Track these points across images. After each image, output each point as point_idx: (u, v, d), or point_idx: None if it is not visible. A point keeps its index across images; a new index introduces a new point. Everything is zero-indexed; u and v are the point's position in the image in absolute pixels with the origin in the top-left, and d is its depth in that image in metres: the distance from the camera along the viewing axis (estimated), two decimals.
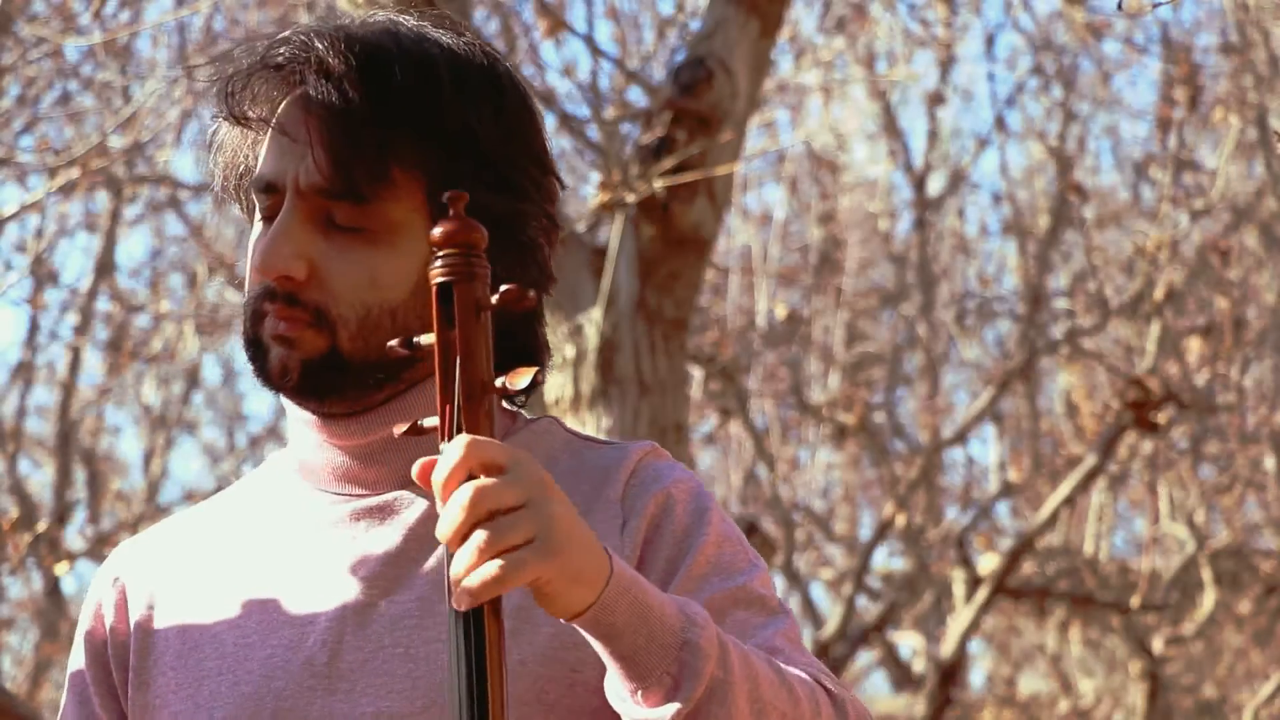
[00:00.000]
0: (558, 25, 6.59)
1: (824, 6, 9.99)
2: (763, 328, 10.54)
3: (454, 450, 1.50)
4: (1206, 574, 9.91)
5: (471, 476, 1.50)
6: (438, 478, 1.51)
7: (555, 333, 5.36)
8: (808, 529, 11.29)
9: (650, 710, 1.57)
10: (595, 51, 6.76)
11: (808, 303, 11.08)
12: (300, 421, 1.79)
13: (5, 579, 9.54)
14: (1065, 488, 8.88)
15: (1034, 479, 10.76)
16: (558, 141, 10.00)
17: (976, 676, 13.31)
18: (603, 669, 1.63)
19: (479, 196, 1.65)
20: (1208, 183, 9.53)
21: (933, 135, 11.02)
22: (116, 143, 7.03)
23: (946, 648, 9.29)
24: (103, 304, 10.70)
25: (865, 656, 12.95)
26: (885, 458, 10.18)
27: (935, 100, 10.65)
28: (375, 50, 1.72)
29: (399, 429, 1.57)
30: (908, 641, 12.39)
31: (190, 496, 11.76)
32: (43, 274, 9.91)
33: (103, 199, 9.97)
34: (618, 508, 1.74)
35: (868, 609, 10.88)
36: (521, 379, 1.52)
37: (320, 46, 1.72)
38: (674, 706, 1.57)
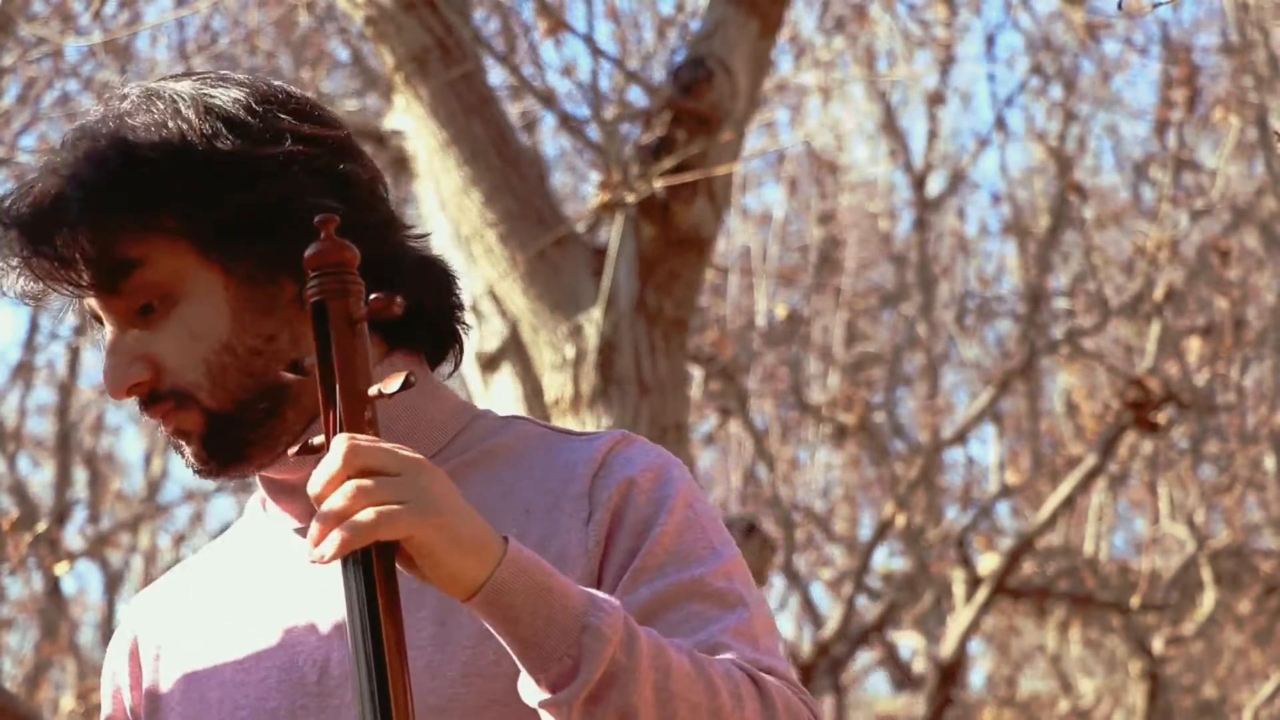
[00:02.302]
0: (558, 25, 6.58)
1: (824, 6, 9.99)
2: (763, 328, 10.54)
3: (331, 457, 1.54)
4: (1206, 574, 9.91)
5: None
6: (314, 487, 1.54)
7: (555, 333, 5.37)
8: (808, 529, 11.29)
9: (551, 694, 1.58)
10: (595, 51, 6.76)
11: (808, 303, 11.08)
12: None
13: (5, 579, 9.53)
14: (1065, 488, 8.88)
15: (1034, 479, 10.76)
16: (558, 142, 10.02)
17: (976, 676, 13.33)
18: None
19: (221, 205, 1.71)
20: (1208, 183, 9.53)
21: (933, 135, 11.02)
22: None
23: (946, 648, 9.29)
24: None
25: (865, 656, 12.96)
26: (885, 458, 10.18)
27: (935, 100, 10.65)
28: (56, 172, 1.76)
29: (291, 450, 1.60)
30: (908, 641, 12.41)
31: (190, 496, 11.77)
32: None
33: None
34: (585, 501, 1.74)
35: (868, 609, 10.88)
36: (392, 384, 1.54)
37: (15, 211, 1.76)
38: (572, 689, 1.56)
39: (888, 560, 11.72)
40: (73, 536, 10.91)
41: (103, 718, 1.91)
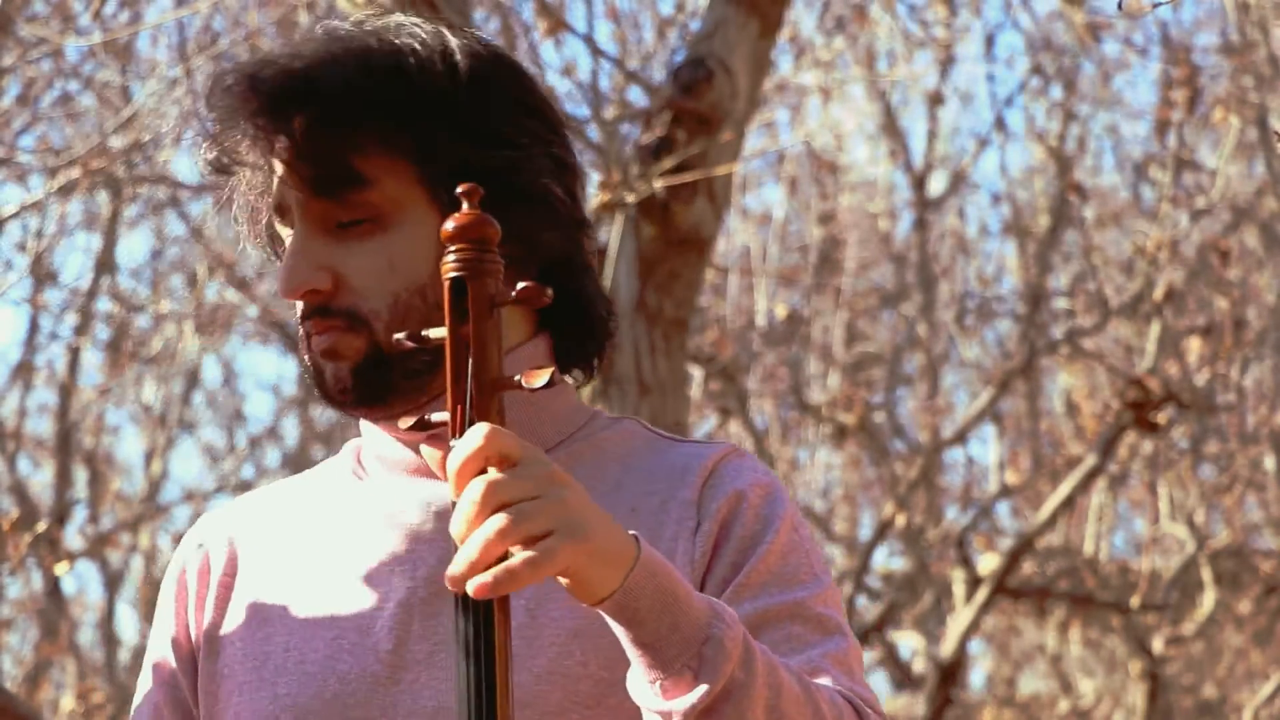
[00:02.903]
0: (558, 25, 6.58)
1: (824, 6, 9.99)
2: (763, 328, 10.54)
3: (472, 438, 1.49)
4: (1206, 574, 9.91)
5: (483, 469, 1.50)
6: (453, 464, 1.50)
7: None
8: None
9: (666, 701, 1.56)
10: (595, 51, 6.76)
11: (808, 303, 11.08)
12: (365, 424, 1.81)
13: (5, 579, 9.53)
14: (1065, 488, 8.88)
15: (1034, 479, 10.76)
16: None
17: (976, 676, 13.32)
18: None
19: (465, 154, 1.70)
20: (1208, 183, 9.52)
21: (933, 135, 11.02)
22: (116, 143, 7.03)
23: (946, 648, 9.29)
24: (103, 304, 10.71)
25: (865, 656, 12.95)
26: (885, 458, 10.18)
27: (935, 100, 10.65)
28: (318, 56, 1.72)
29: (404, 422, 1.57)
30: (908, 641, 12.39)
31: (190, 496, 11.77)
32: (43, 274, 9.90)
33: (103, 199, 9.97)
34: (693, 509, 1.73)
35: (868, 609, 10.88)
36: (538, 379, 1.51)
37: (264, 76, 1.72)
38: (690, 699, 1.55)
39: (888, 560, 11.72)
40: (73, 536, 10.90)
41: (164, 630, 1.84)
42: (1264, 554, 10.70)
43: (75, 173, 6.15)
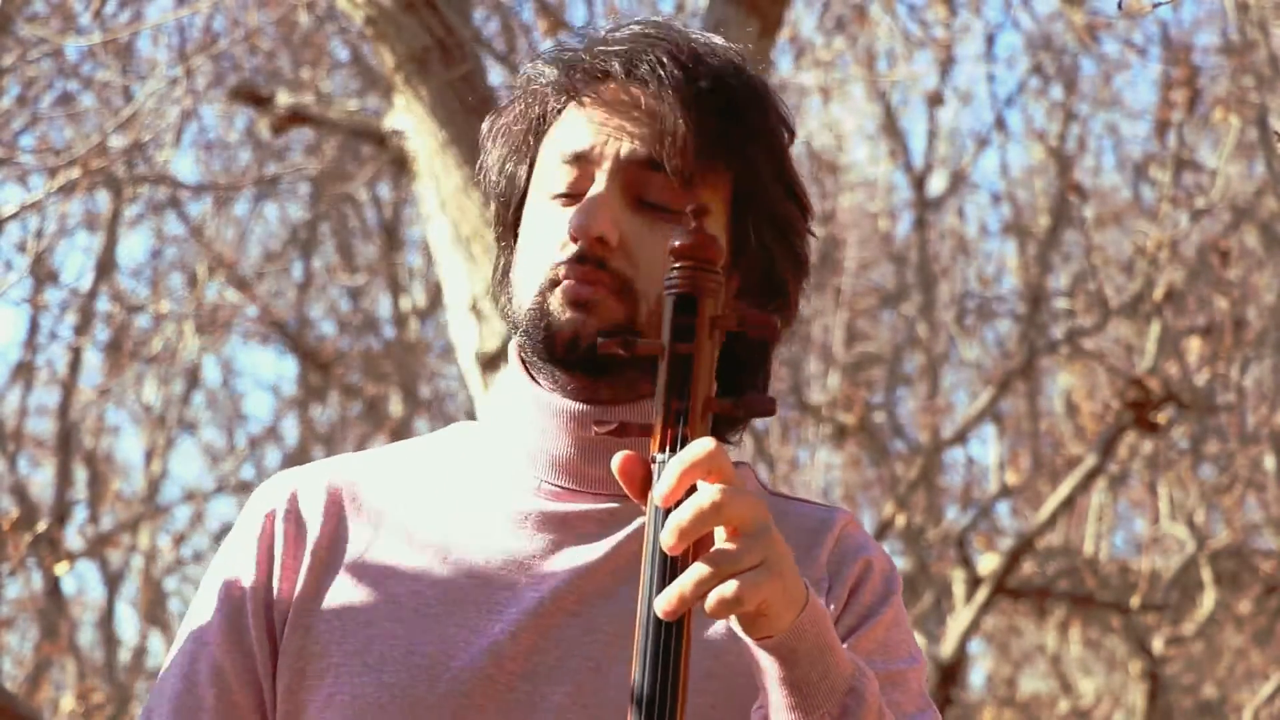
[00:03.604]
0: (558, 25, 6.58)
1: (824, 6, 9.99)
2: None
3: (698, 449, 1.50)
4: (1206, 574, 9.91)
5: (692, 487, 1.51)
6: (677, 468, 1.49)
7: None
8: None
9: None
10: None
11: (808, 303, 11.07)
12: (535, 406, 1.77)
13: (5, 579, 9.53)
14: (1065, 488, 8.88)
15: (1034, 479, 10.76)
16: None
17: (976, 676, 13.32)
18: None
19: (776, 201, 1.76)
20: (1208, 183, 9.52)
21: (933, 135, 11.02)
22: (116, 143, 7.03)
23: (946, 648, 9.29)
24: (103, 304, 10.70)
25: None
26: (885, 458, 10.18)
27: (935, 100, 10.65)
28: (708, 55, 1.79)
29: (599, 428, 1.57)
30: None
31: (190, 496, 11.77)
32: (43, 274, 9.90)
33: (103, 199, 9.97)
34: (824, 569, 1.76)
35: None
36: (754, 406, 1.53)
37: (656, 47, 1.77)
38: None
39: None
40: (73, 536, 10.90)
41: (238, 570, 1.77)
42: (1264, 554, 10.70)
43: (75, 173, 6.14)
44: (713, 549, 1.49)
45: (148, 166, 9.03)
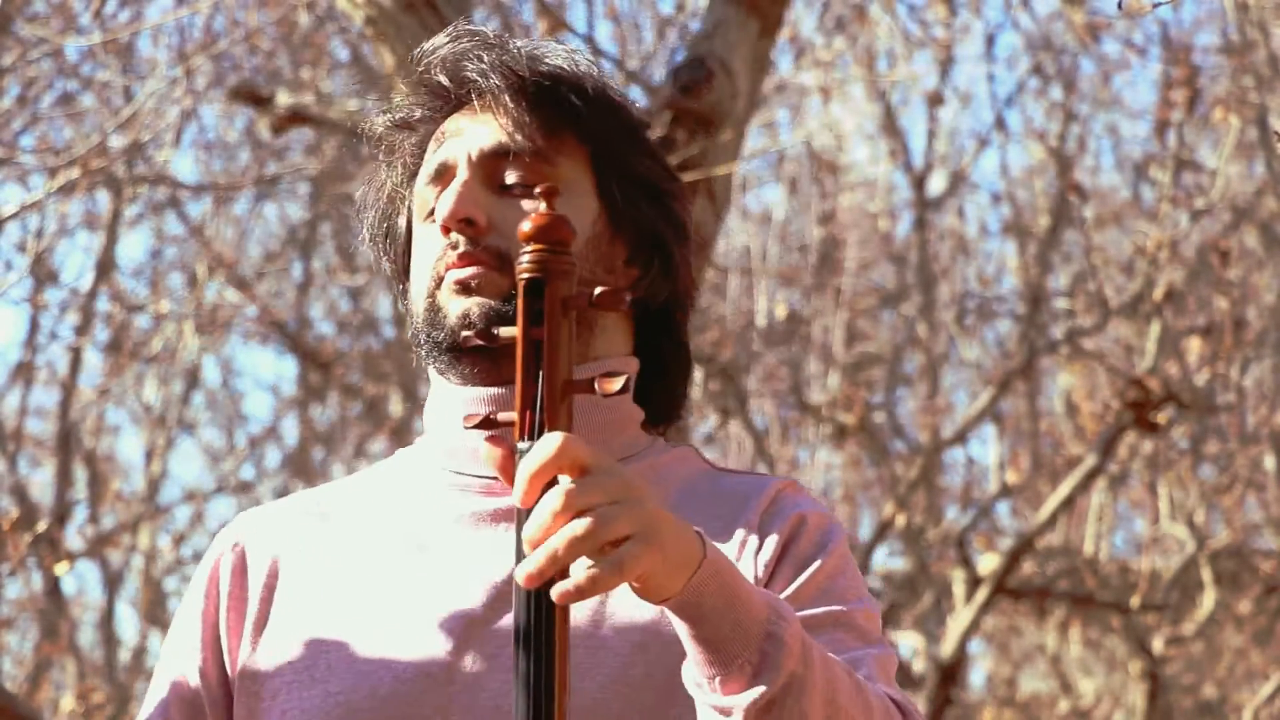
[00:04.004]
0: (558, 25, 6.59)
1: (824, 6, 9.99)
2: (763, 328, 10.54)
3: (545, 447, 1.50)
4: (1206, 574, 9.91)
5: (554, 479, 1.51)
6: (525, 471, 1.50)
7: None
8: None
9: (726, 698, 1.58)
10: (595, 51, 6.76)
11: (808, 303, 11.08)
12: (449, 405, 1.81)
13: (5, 579, 9.53)
14: (1065, 488, 8.88)
15: (1034, 479, 10.76)
16: None
17: (976, 676, 13.32)
18: (680, 702, 1.65)
19: (637, 163, 1.82)
20: (1208, 183, 9.52)
21: (933, 135, 11.02)
22: (116, 143, 7.03)
23: (946, 648, 9.29)
24: (103, 304, 10.70)
25: None
26: (885, 458, 10.18)
27: (935, 100, 10.64)
28: (535, 49, 1.85)
29: (468, 422, 1.57)
30: (908, 641, 12.40)
31: (190, 496, 11.77)
32: (43, 274, 9.90)
33: (103, 199, 9.97)
34: (755, 534, 1.77)
35: None
36: (613, 385, 1.52)
37: (477, 50, 1.84)
38: (751, 695, 1.57)
39: (888, 560, 11.72)
40: (73, 536, 10.90)
41: (190, 629, 1.84)
42: (1264, 554, 10.70)
43: (75, 173, 6.14)
44: (573, 530, 1.48)
45: (148, 166, 9.03)
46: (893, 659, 1.76)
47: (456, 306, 1.77)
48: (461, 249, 1.78)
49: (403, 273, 1.89)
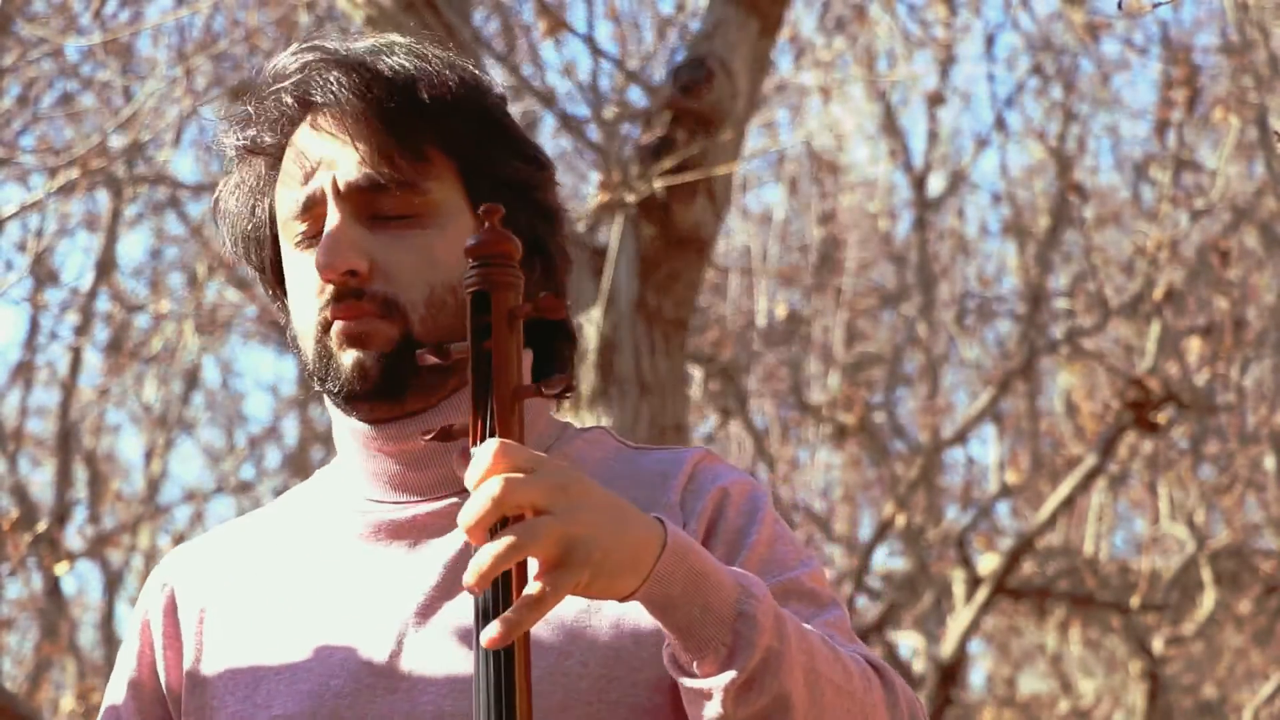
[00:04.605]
0: (558, 25, 6.58)
1: (824, 6, 9.99)
2: (763, 328, 10.54)
3: (484, 453, 1.51)
4: (1206, 574, 9.91)
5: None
6: (470, 478, 1.52)
7: None
8: (808, 529, 11.29)
9: (705, 680, 1.59)
10: (595, 51, 6.77)
11: (808, 303, 11.08)
12: (351, 434, 1.82)
13: (5, 579, 9.53)
14: (1065, 488, 8.88)
15: (1034, 479, 10.76)
16: (558, 142, 10.02)
17: (976, 676, 13.32)
18: (662, 667, 1.66)
19: (511, 169, 1.79)
20: (1208, 183, 9.53)
21: (933, 135, 11.02)
22: (116, 143, 7.03)
23: (946, 648, 9.29)
24: (103, 304, 10.70)
25: None
26: (885, 458, 10.18)
27: (935, 100, 10.65)
28: (378, 59, 1.80)
29: (425, 435, 1.58)
30: (908, 641, 12.40)
31: (191, 496, 11.77)
32: (43, 274, 9.90)
33: (103, 199, 9.97)
34: (677, 510, 1.77)
35: (868, 609, 10.88)
36: (556, 386, 1.54)
37: (326, 70, 1.79)
38: (728, 675, 1.58)
39: (888, 560, 11.72)
40: (73, 536, 10.90)
41: (126, 671, 1.87)
42: (1264, 554, 10.70)
43: (75, 173, 6.14)
44: (503, 537, 1.49)
45: (148, 166, 9.03)
46: (846, 616, 1.76)
47: (348, 358, 1.75)
48: (346, 301, 1.75)
49: (276, 285, 1.87)
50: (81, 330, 10.47)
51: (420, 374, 1.75)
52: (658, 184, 5.35)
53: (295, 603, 1.80)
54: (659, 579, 1.56)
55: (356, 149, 1.76)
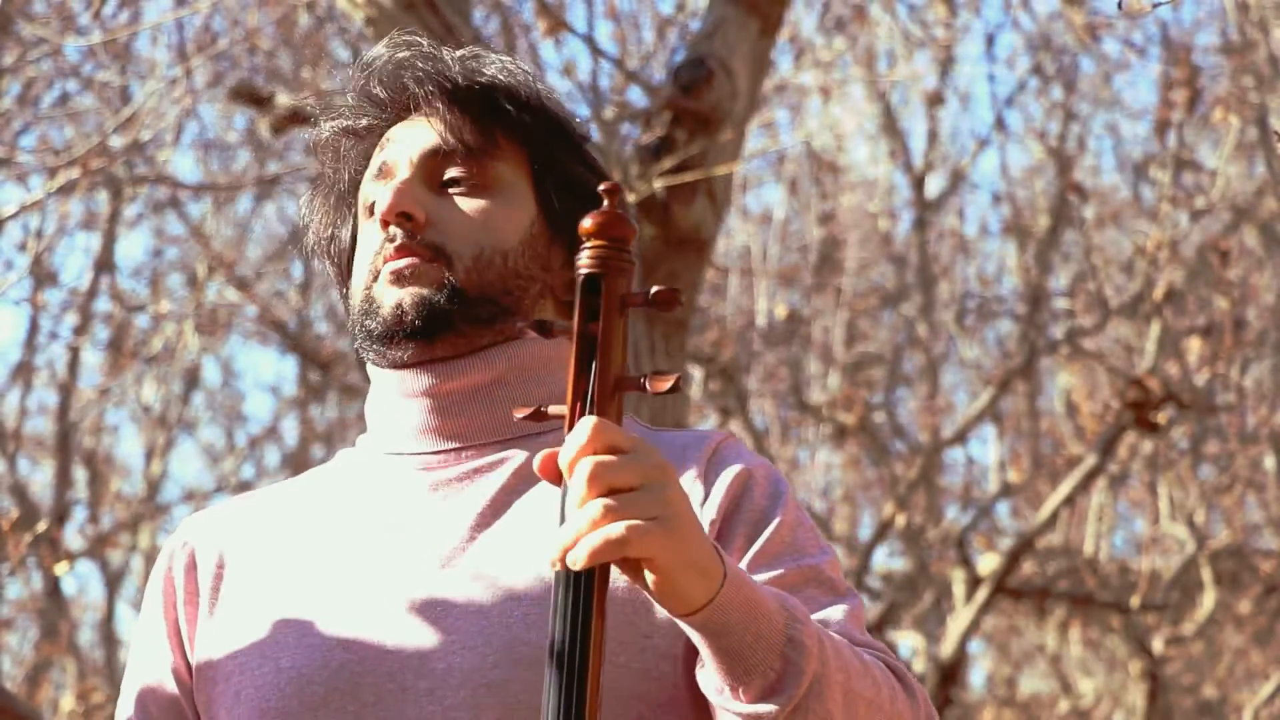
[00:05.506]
0: (558, 25, 6.58)
1: (824, 6, 9.99)
2: (763, 328, 10.54)
3: (580, 433, 1.52)
4: (1206, 574, 9.90)
5: None
6: (564, 458, 1.53)
7: None
8: None
9: (749, 705, 1.60)
10: (595, 51, 6.75)
11: (808, 303, 11.07)
12: (382, 384, 1.88)
13: (5, 579, 9.53)
14: (1065, 488, 8.88)
15: (1034, 479, 10.75)
16: None
17: (976, 676, 13.32)
18: (672, 634, 1.69)
19: (574, 170, 1.89)
20: (1208, 183, 9.52)
21: (933, 135, 11.01)
22: (116, 143, 7.02)
23: (946, 648, 9.29)
24: (103, 304, 10.70)
25: None
26: (885, 458, 10.17)
27: (935, 100, 10.64)
28: (469, 58, 1.94)
29: (520, 413, 1.59)
30: (908, 641, 12.40)
31: (190, 496, 11.76)
32: (43, 274, 9.90)
33: (103, 199, 9.97)
34: (699, 484, 1.80)
35: (868, 609, 10.87)
36: (664, 383, 1.52)
37: (422, 64, 1.94)
38: (773, 706, 1.59)
39: (888, 560, 11.71)
40: (73, 536, 10.90)
41: (149, 626, 1.90)
42: (1264, 554, 10.70)
43: (75, 173, 6.14)
44: (597, 499, 1.50)
45: (148, 166, 9.02)
46: (862, 607, 1.78)
47: (391, 297, 1.83)
48: (399, 241, 1.84)
49: (345, 276, 1.95)
50: (81, 330, 10.47)
51: (455, 324, 1.82)
52: (658, 184, 5.34)
53: (308, 561, 1.83)
54: (720, 606, 1.57)
55: (433, 125, 1.88)
